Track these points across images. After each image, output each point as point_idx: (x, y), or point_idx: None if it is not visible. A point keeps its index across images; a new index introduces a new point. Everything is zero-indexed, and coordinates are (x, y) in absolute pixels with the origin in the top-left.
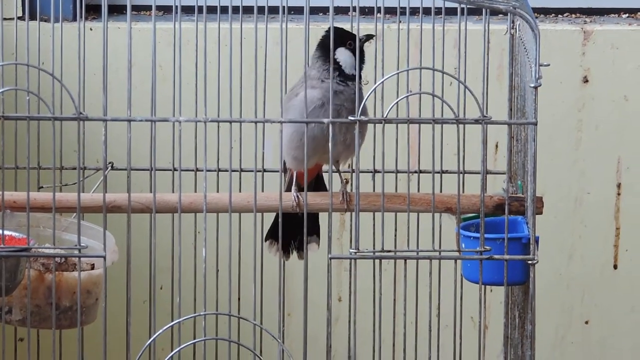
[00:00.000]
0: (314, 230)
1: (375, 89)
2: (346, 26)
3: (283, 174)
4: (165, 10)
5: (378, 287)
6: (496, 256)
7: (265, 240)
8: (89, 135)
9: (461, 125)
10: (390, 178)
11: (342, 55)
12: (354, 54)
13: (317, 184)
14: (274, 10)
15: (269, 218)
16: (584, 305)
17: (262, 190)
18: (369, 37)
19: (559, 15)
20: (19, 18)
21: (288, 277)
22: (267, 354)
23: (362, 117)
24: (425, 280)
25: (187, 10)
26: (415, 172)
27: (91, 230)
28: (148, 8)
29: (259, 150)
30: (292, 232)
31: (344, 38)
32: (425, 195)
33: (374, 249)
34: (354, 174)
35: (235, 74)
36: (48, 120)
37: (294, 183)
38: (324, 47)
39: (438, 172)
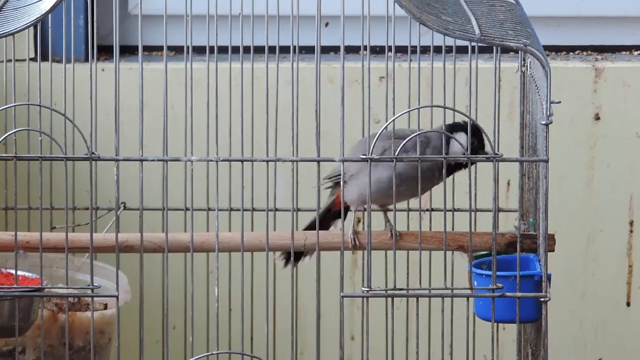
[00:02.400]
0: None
1: (386, 127)
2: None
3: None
4: (177, 50)
5: (390, 325)
6: (508, 294)
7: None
8: (101, 175)
9: (473, 163)
10: (402, 216)
11: (459, 138)
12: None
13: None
14: (284, 49)
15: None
16: (597, 343)
17: (274, 229)
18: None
19: (570, 53)
20: (31, 59)
21: (300, 316)
22: None
23: (373, 156)
24: (438, 319)
25: (199, 50)
26: (427, 210)
27: (104, 270)
28: (159, 49)
29: (271, 189)
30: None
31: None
32: (437, 233)
33: (386, 287)
34: (365, 212)
35: (247, 113)
36: (60, 161)
37: (352, 224)
38: (455, 130)
39: (450, 210)
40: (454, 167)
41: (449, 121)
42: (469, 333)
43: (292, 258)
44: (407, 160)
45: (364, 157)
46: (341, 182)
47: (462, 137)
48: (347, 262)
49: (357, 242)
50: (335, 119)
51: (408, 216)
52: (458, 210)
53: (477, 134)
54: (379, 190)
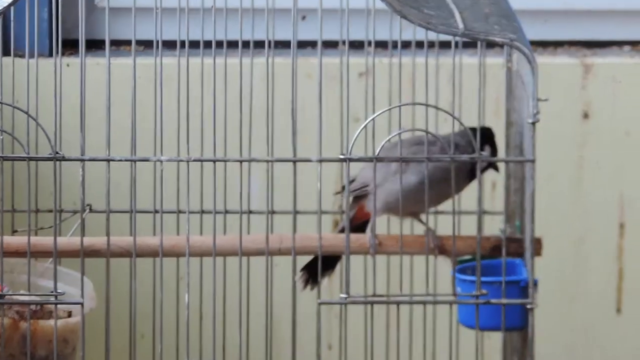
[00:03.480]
0: (332, 265)
1: (366, 125)
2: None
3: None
4: (146, 45)
5: (370, 333)
6: (493, 300)
7: (300, 271)
8: (65, 176)
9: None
10: (382, 220)
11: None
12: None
13: (362, 229)
14: (259, 44)
15: (255, 262)
16: (587, 351)
17: (248, 233)
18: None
19: (558, 48)
20: None
21: (275, 324)
22: None
23: (353, 156)
24: (419, 326)
25: (169, 45)
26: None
27: (68, 276)
28: (128, 43)
29: (245, 191)
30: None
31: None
32: (418, 237)
33: (365, 293)
34: (343, 214)
35: (219, 111)
36: (23, 161)
37: (370, 227)
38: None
39: (432, 213)
40: (473, 173)
41: (432, 120)
42: (452, 342)
43: (318, 276)
44: (437, 160)
45: (371, 157)
46: (346, 188)
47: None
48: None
49: (374, 245)
50: (312, 117)
51: (388, 219)
52: (441, 212)
53: (491, 141)
54: (407, 197)
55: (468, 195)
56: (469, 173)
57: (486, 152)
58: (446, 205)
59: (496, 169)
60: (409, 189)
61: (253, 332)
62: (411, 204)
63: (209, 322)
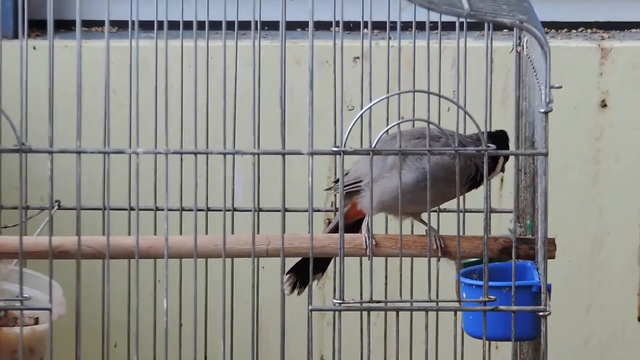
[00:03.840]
0: (323, 268)
1: (361, 115)
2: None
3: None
4: (120, 26)
5: (366, 343)
6: (502, 307)
7: (286, 274)
8: (32, 169)
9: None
10: (379, 218)
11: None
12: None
13: (355, 228)
14: (245, 25)
15: (240, 264)
16: None
17: (232, 232)
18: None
19: (573, 30)
20: None
21: (262, 332)
22: None
23: (347, 148)
24: (421, 335)
25: (145, 26)
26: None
27: (35, 279)
28: (100, 24)
29: (229, 187)
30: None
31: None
32: (419, 238)
33: (361, 299)
34: (336, 213)
35: (201, 99)
36: None
37: (365, 223)
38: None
39: (434, 211)
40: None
41: (434, 109)
42: (457, 352)
43: (309, 280)
44: (439, 153)
45: (367, 149)
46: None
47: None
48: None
49: (371, 245)
50: (303, 106)
51: (386, 218)
52: (444, 211)
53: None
54: (403, 196)
55: (474, 192)
56: (469, 179)
57: (500, 162)
58: (450, 203)
59: (502, 169)
60: (405, 188)
61: (238, 340)
62: (407, 204)
63: (189, 330)
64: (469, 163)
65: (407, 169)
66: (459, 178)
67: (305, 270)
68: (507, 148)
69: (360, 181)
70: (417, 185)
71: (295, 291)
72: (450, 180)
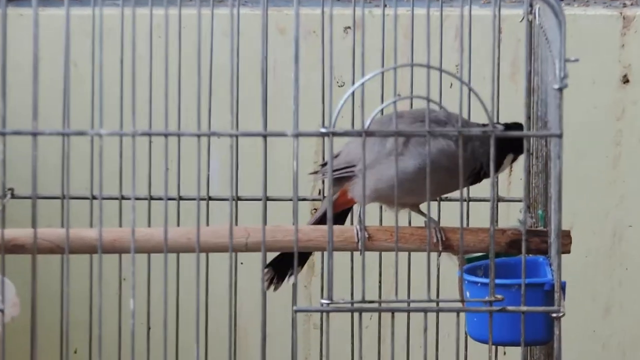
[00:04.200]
0: (303, 261)
1: (353, 92)
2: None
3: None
4: None
5: (358, 348)
6: (510, 308)
7: (265, 268)
8: None
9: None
10: (373, 208)
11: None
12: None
13: (343, 216)
14: None
15: (216, 260)
16: None
17: (207, 224)
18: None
19: None
20: None
21: (241, 336)
22: None
23: (337, 130)
24: (419, 339)
25: None
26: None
27: None
28: None
29: (203, 173)
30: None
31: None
32: (418, 230)
33: (352, 298)
34: (324, 199)
35: (172, 73)
36: None
37: (358, 213)
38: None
39: (435, 200)
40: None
41: (434, 85)
42: (460, 358)
43: (294, 271)
44: (442, 134)
45: (359, 130)
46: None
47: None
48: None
49: (363, 238)
50: (287, 82)
51: (381, 208)
52: (446, 199)
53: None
54: (402, 185)
55: None
56: (472, 172)
57: (507, 161)
58: (453, 193)
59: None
60: (405, 176)
61: (213, 346)
62: (406, 194)
63: (158, 334)
64: (475, 155)
65: (407, 154)
66: (462, 161)
67: (284, 264)
68: (522, 147)
69: (353, 166)
70: (418, 174)
71: (272, 287)
72: (454, 171)
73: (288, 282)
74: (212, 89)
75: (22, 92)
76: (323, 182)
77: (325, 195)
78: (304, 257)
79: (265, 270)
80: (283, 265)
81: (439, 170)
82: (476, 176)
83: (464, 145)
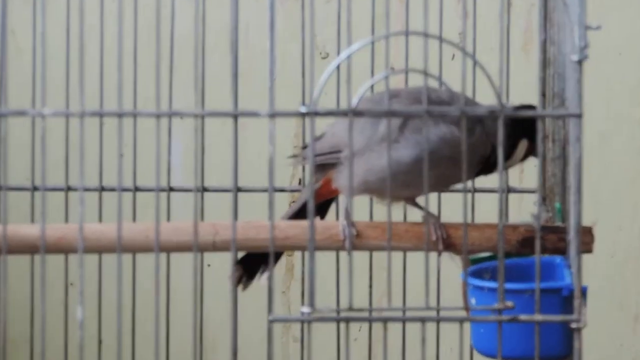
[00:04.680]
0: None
1: (338, 65)
2: None
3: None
4: None
5: None
6: (523, 317)
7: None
8: None
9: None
10: (362, 201)
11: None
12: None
13: (325, 208)
14: None
15: (179, 261)
16: None
17: (168, 219)
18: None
19: None
20: None
21: (208, 350)
22: None
23: (319, 109)
24: (416, 354)
25: None
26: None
27: None
28: None
29: (163, 159)
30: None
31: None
32: (414, 226)
33: (337, 306)
34: (304, 189)
35: (127, 44)
36: None
37: (344, 207)
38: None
39: (434, 191)
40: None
41: (434, 57)
42: None
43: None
44: (442, 116)
45: (346, 109)
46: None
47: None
48: (277, 268)
49: (350, 236)
50: (262, 53)
51: (371, 200)
52: (447, 190)
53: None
54: (396, 177)
55: None
56: (481, 161)
57: (521, 148)
58: None
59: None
60: (399, 168)
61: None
62: (400, 187)
63: (111, 348)
64: (484, 139)
65: (403, 142)
66: (466, 148)
67: (254, 261)
68: (534, 130)
69: (339, 152)
70: (415, 166)
71: (240, 286)
72: (458, 161)
73: (259, 280)
74: (173, 61)
75: None
76: (304, 169)
77: (306, 185)
78: (277, 254)
79: (235, 268)
80: (253, 261)
81: (440, 161)
82: (485, 165)
83: (470, 130)
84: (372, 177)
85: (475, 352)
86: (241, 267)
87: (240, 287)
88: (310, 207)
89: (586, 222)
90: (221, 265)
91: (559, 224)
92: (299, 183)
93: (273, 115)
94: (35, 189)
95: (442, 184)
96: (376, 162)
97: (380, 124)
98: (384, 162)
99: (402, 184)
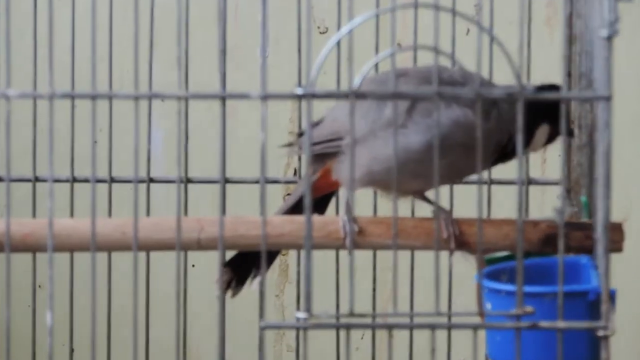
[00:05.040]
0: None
1: (338, 41)
2: None
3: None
4: None
5: None
6: (544, 323)
7: (224, 267)
8: None
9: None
10: (365, 193)
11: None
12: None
13: (324, 203)
14: None
15: (160, 260)
16: None
17: (148, 214)
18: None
19: None
20: None
21: (192, 357)
22: None
23: (317, 90)
24: None
25: None
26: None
27: None
28: None
29: (142, 147)
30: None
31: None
32: (423, 222)
33: (337, 312)
34: (301, 181)
35: (102, 20)
36: None
37: (345, 200)
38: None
39: (445, 183)
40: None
41: (446, 33)
42: None
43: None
44: (455, 97)
45: (347, 91)
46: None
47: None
48: (270, 271)
49: (351, 233)
50: (253, 28)
51: (375, 195)
52: (459, 182)
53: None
54: (404, 167)
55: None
56: (497, 149)
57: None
58: None
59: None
60: (408, 155)
61: None
62: (409, 178)
63: (84, 356)
64: (501, 126)
65: (412, 127)
66: (481, 133)
67: (246, 263)
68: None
69: (339, 139)
70: (426, 154)
71: (230, 292)
72: (472, 148)
73: (250, 286)
74: (153, 37)
75: None
76: (300, 158)
77: (302, 176)
78: (272, 254)
79: (224, 270)
80: (244, 263)
81: (453, 148)
82: (502, 153)
83: (486, 114)
84: (377, 167)
85: None
86: (230, 270)
87: (229, 293)
88: (307, 201)
89: (616, 217)
90: (207, 266)
91: (585, 219)
92: (295, 174)
93: (265, 97)
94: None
95: (455, 175)
96: (381, 151)
97: (385, 107)
98: (390, 149)
99: (411, 174)
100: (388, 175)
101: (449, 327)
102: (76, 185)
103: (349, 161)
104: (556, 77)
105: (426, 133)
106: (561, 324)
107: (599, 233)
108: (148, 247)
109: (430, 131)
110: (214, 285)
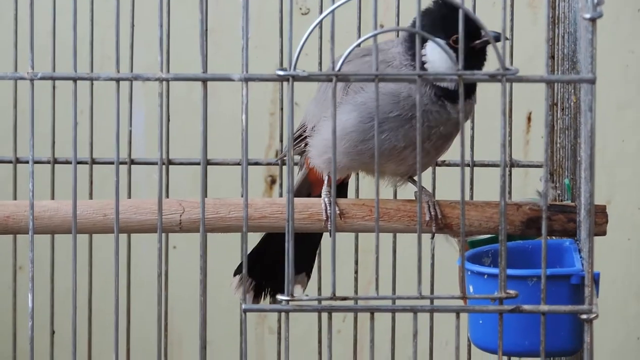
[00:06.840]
0: (305, 265)
1: (320, 21)
2: None
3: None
4: None
5: (327, 357)
6: (527, 307)
7: (234, 275)
8: None
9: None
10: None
11: (433, 55)
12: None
13: (342, 191)
14: None
15: (141, 242)
16: None
17: (129, 196)
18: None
19: None
20: None
21: (174, 342)
22: None
23: (299, 72)
24: (407, 348)
25: None
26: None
27: None
28: None
29: (123, 128)
30: (275, 264)
31: (447, 27)
32: (406, 204)
33: (319, 294)
34: (284, 165)
35: (83, 2)
36: None
37: (324, 185)
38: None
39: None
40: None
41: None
42: None
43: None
44: (384, 78)
45: (329, 72)
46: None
47: (434, 52)
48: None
49: (331, 215)
50: (234, 9)
51: (357, 175)
52: (443, 163)
53: (451, 22)
54: (348, 147)
55: (487, 138)
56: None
57: (439, 57)
58: (452, 153)
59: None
60: (345, 135)
61: (138, 355)
62: (357, 157)
63: (65, 340)
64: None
65: (344, 106)
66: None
67: (273, 269)
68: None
69: (305, 128)
70: (366, 131)
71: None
72: (412, 119)
73: (265, 298)
74: (134, 17)
75: None
76: (281, 140)
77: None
78: (311, 253)
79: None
80: (271, 269)
81: (386, 122)
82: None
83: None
84: (329, 150)
85: (473, 347)
86: (251, 276)
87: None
88: (290, 184)
89: (599, 200)
90: (188, 248)
91: (568, 202)
92: (276, 155)
93: (247, 79)
94: None
95: (398, 156)
96: (327, 132)
97: (328, 89)
98: (329, 131)
99: (358, 154)
100: (340, 157)
101: (431, 311)
102: (57, 166)
103: (314, 148)
104: (539, 59)
105: (357, 110)
106: (544, 307)
107: (582, 216)
108: (129, 229)
109: (357, 109)
110: (195, 266)
